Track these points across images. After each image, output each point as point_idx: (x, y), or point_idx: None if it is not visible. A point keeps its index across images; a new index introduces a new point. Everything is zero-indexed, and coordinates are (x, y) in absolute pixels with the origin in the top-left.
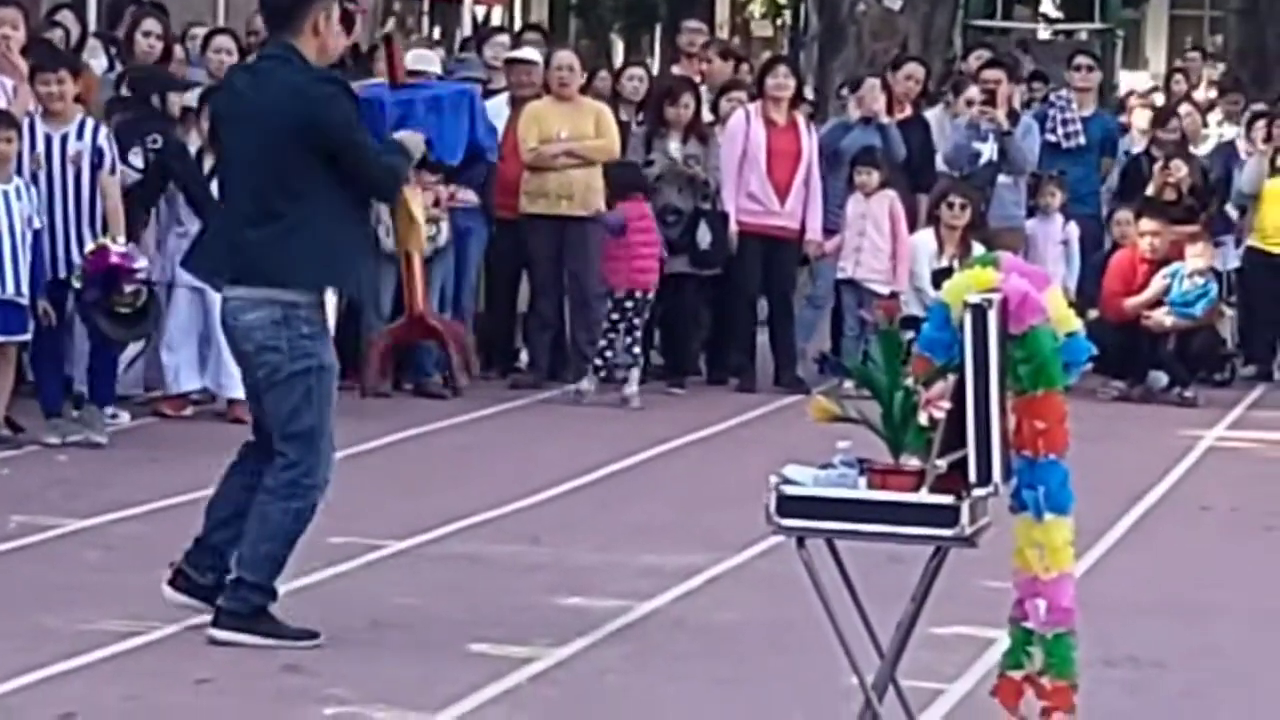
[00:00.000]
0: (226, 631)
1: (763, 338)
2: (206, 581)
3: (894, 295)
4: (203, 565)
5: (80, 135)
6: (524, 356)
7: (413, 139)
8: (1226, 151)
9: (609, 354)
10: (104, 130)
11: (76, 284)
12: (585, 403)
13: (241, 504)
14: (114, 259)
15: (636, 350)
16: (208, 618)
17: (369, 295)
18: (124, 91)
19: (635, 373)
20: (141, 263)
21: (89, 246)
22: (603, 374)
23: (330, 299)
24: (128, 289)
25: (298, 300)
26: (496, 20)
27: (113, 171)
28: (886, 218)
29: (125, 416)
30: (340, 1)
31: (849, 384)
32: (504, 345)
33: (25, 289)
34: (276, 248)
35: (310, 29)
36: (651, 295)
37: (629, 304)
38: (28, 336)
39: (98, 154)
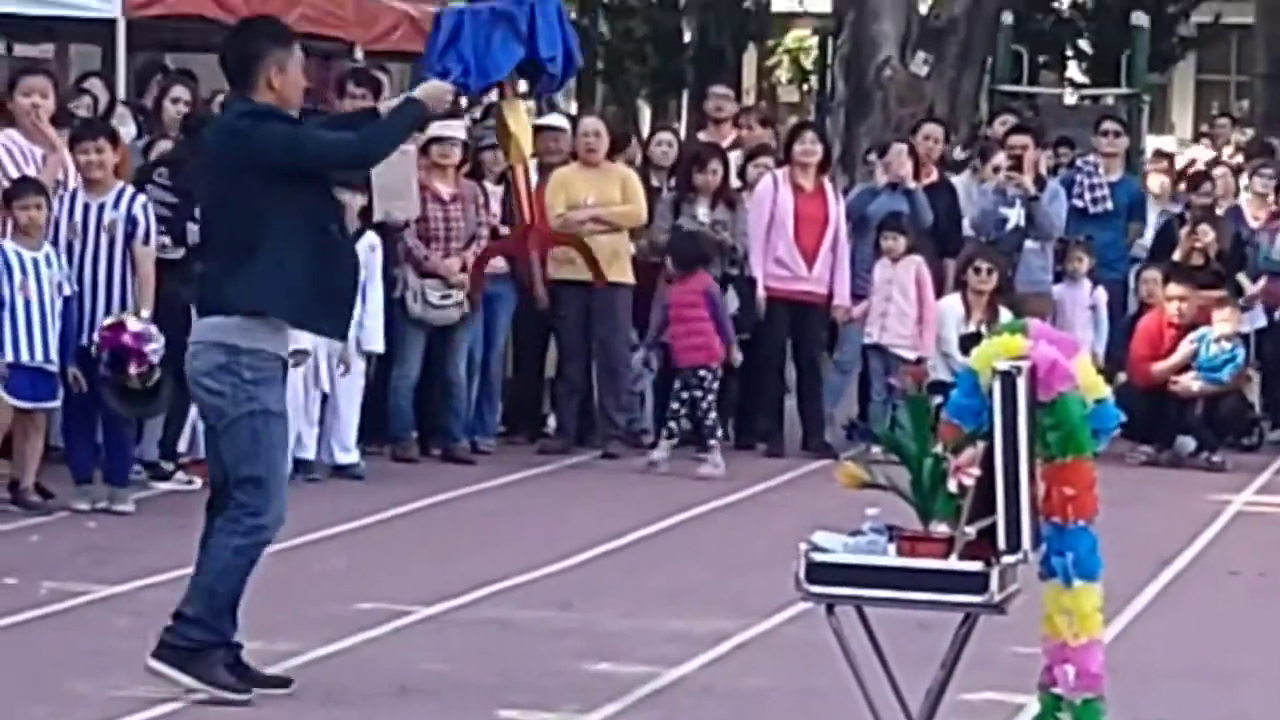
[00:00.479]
0: (163, 664)
1: (790, 402)
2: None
3: (920, 361)
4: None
5: (117, 205)
6: (552, 422)
7: (432, 89)
8: (1234, 216)
9: (683, 423)
10: (140, 200)
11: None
12: (659, 470)
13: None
14: (126, 338)
15: (710, 421)
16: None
17: (333, 331)
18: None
19: (715, 446)
20: (154, 344)
21: (107, 320)
22: (675, 441)
23: (359, 362)
24: (133, 370)
25: (239, 345)
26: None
27: (146, 241)
28: (913, 283)
29: (185, 475)
30: (357, 66)
31: (877, 449)
32: (532, 411)
33: (55, 356)
34: (226, 281)
35: (264, 84)
36: (718, 368)
37: (697, 378)
38: (57, 404)
39: (132, 223)
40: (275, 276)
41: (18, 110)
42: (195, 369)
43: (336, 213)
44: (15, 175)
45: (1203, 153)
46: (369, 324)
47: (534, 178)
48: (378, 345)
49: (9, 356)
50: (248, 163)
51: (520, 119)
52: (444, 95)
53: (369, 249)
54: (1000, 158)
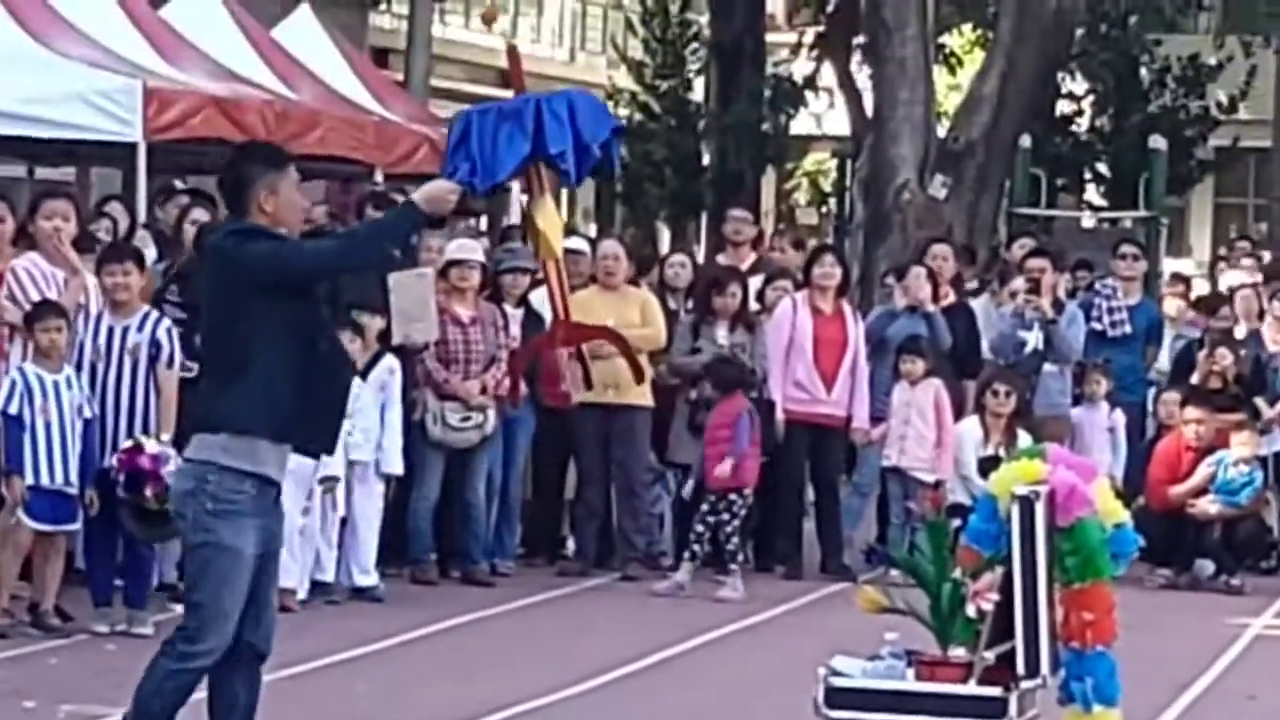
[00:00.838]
0: None
1: (809, 525)
2: None
3: (939, 484)
4: None
5: (141, 328)
6: (571, 544)
7: (433, 189)
8: (1255, 340)
9: (705, 545)
10: (165, 323)
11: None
12: (682, 593)
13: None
14: (143, 460)
15: (732, 545)
16: None
17: (318, 448)
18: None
19: (736, 570)
20: (170, 467)
21: (125, 443)
22: (698, 564)
23: (378, 484)
24: (149, 492)
25: (217, 463)
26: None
27: (170, 365)
28: (931, 406)
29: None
30: (377, 189)
31: (895, 573)
32: (551, 533)
33: (75, 479)
34: (218, 398)
35: (256, 208)
36: (749, 492)
37: (727, 501)
38: (77, 526)
39: (156, 346)
40: (261, 394)
41: (39, 234)
42: (173, 489)
43: (326, 329)
44: (36, 298)
45: (1242, 276)
46: (388, 446)
47: (562, 270)
48: (397, 468)
49: (29, 479)
50: (235, 281)
51: (549, 215)
52: (445, 195)
53: (388, 372)
54: (1018, 282)
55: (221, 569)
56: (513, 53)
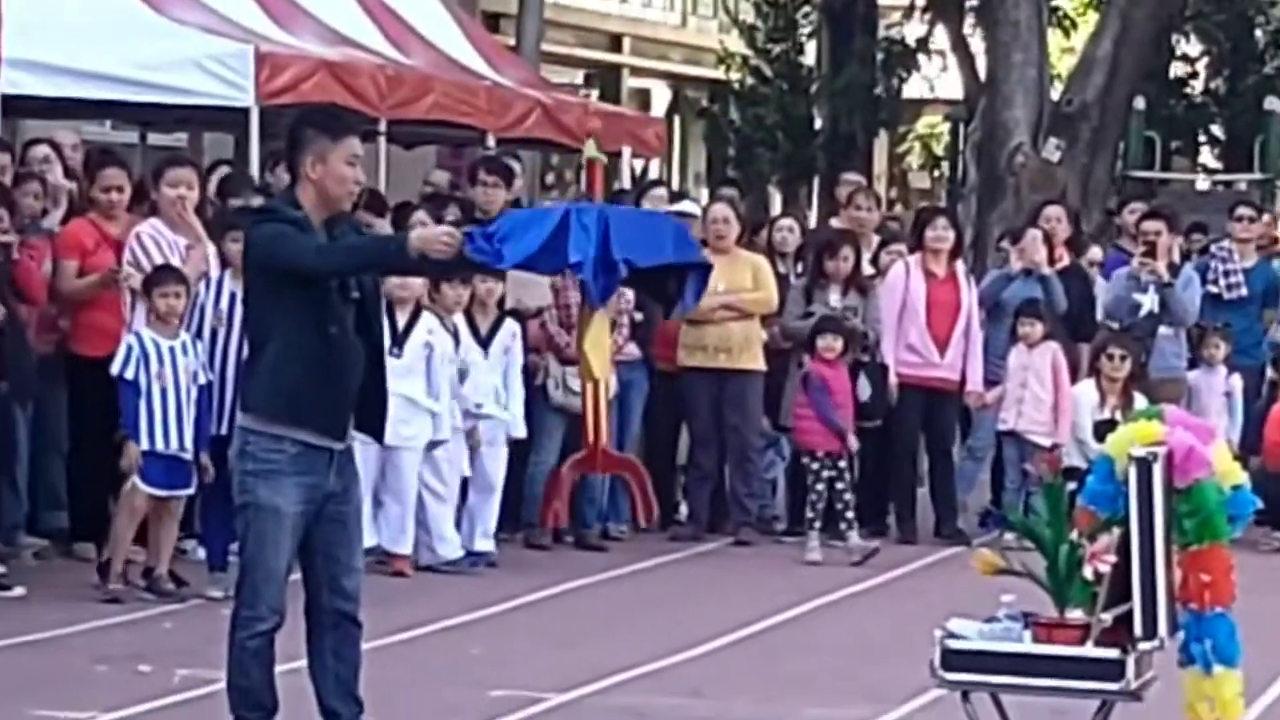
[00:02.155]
0: None
1: (922, 489)
2: None
3: (1055, 447)
4: None
5: None
6: (683, 509)
7: (432, 232)
8: None
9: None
10: None
11: None
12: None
13: (324, 659)
14: None
15: (847, 509)
16: None
17: (329, 433)
18: None
19: (852, 534)
20: None
21: None
22: (824, 535)
23: (502, 449)
24: None
25: (248, 429)
26: (655, 173)
27: None
28: (1049, 369)
29: None
30: (490, 155)
31: (1010, 537)
32: (663, 497)
33: (190, 444)
34: (247, 379)
35: (304, 175)
36: (842, 462)
37: (831, 462)
38: (190, 491)
39: None
40: (271, 378)
41: (163, 201)
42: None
43: (337, 314)
44: (151, 265)
45: None
46: (513, 410)
47: (608, 395)
48: (521, 431)
49: (144, 445)
50: (251, 261)
51: (598, 338)
52: (438, 239)
53: (511, 336)
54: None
55: (262, 528)
56: (592, 166)
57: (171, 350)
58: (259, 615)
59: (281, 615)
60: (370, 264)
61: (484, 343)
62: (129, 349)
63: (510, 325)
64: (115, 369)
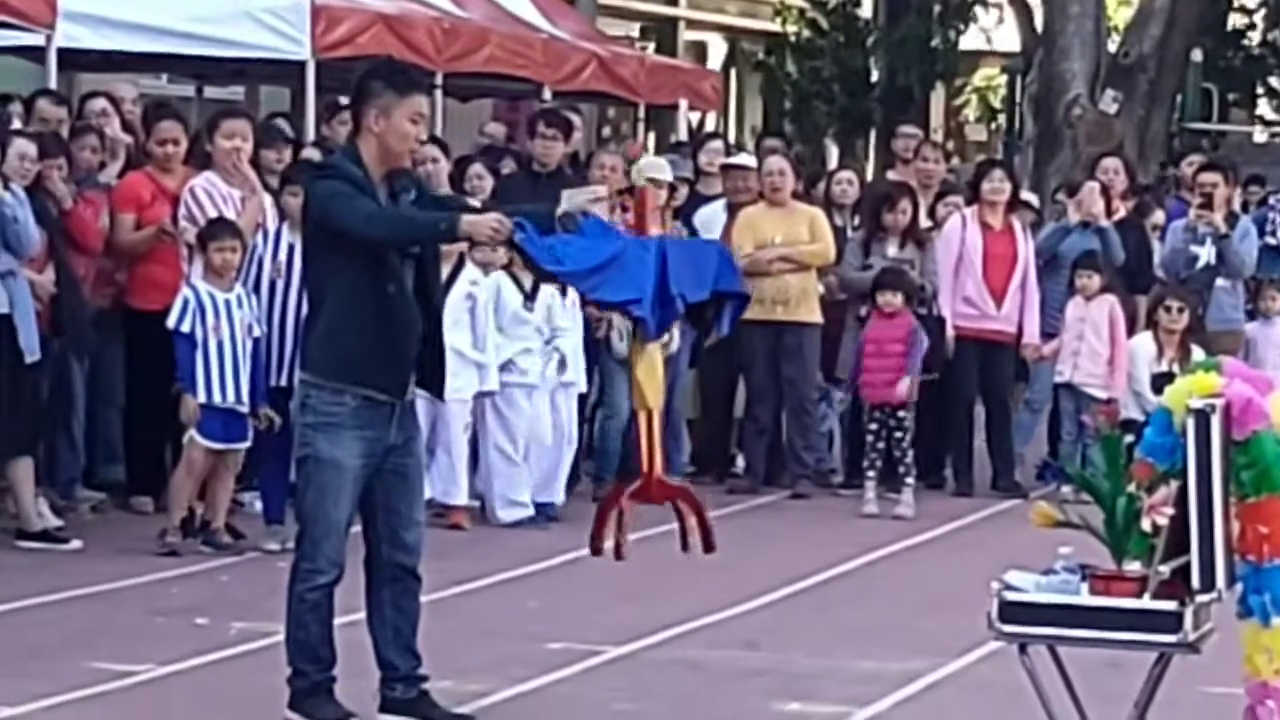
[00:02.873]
0: (288, 711)
1: (979, 441)
2: (396, 694)
3: (1111, 400)
4: (388, 680)
5: None
6: (740, 462)
7: (482, 219)
8: None
9: (878, 464)
10: None
11: None
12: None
13: (383, 611)
14: None
15: (907, 462)
16: None
17: (389, 392)
18: None
19: (909, 487)
20: None
21: None
22: (882, 487)
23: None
24: None
25: (309, 383)
26: (711, 126)
27: None
28: (1106, 322)
29: None
30: (548, 107)
31: (1066, 490)
32: (720, 451)
33: (246, 397)
34: (306, 335)
35: (367, 128)
36: (903, 412)
37: (897, 418)
38: (248, 444)
39: None
40: (329, 337)
41: (218, 153)
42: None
43: (398, 272)
44: (201, 217)
45: None
46: (572, 362)
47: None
48: (583, 383)
49: (201, 398)
50: (309, 219)
51: (651, 368)
52: (489, 225)
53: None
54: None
55: (323, 481)
56: (643, 193)
57: (227, 303)
58: (318, 568)
59: (341, 569)
60: (418, 239)
61: (529, 296)
62: (185, 302)
63: None
64: (171, 322)
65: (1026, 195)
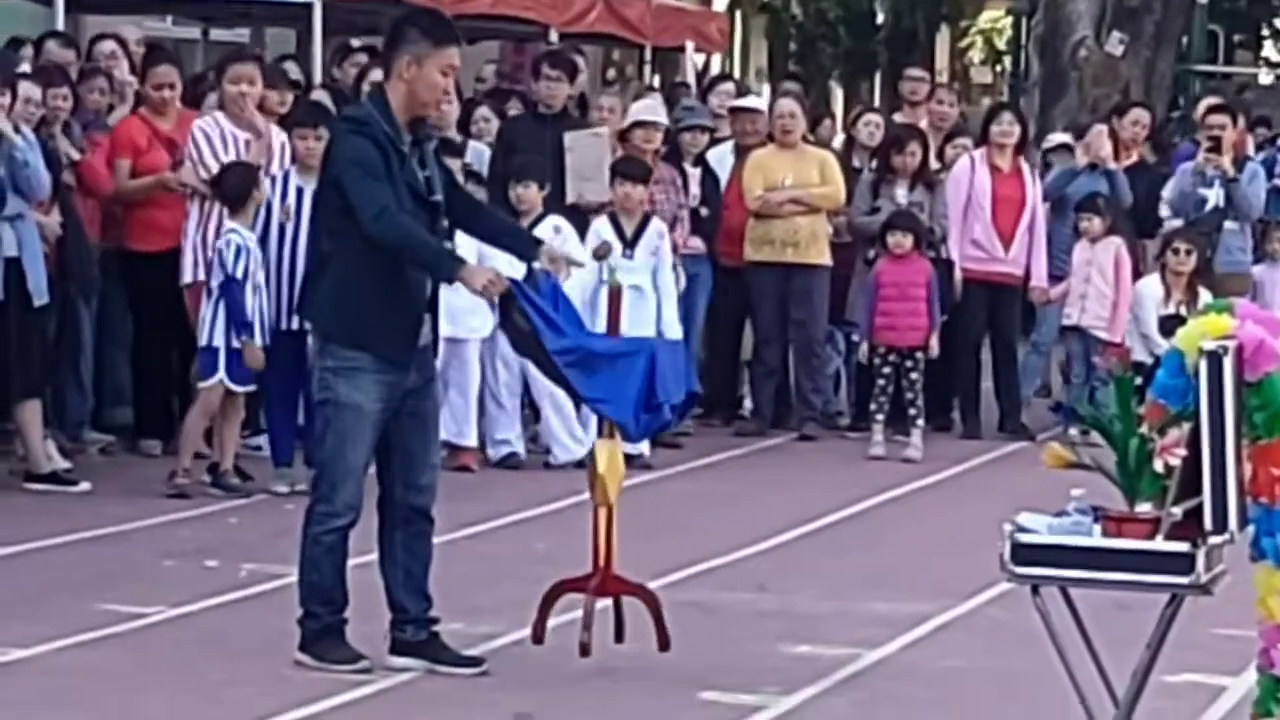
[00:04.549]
0: (299, 652)
1: (986, 384)
2: (406, 636)
3: (1121, 342)
4: (399, 622)
5: None
6: (748, 404)
7: (481, 270)
8: None
9: (886, 406)
10: None
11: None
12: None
13: (395, 554)
14: None
15: (917, 405)
16: (441, 669)
17: (394, 356)
18: None
19: (918, 430)
20: None
21: None
22: (890, 429)
23: None
24: None
25: (327, 330)
26: (716, 68)
27: None
28: (1112, 264)
29: None
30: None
31: (1074, 431)
32: (728, 393)
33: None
34: (312, 288)
35: (398, 74)
36: (920, 353)
37: (914, 359)
38: (253, 387)
39: None
40: (336, 301)
41: (226, 97)
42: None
43: None
44: (215, 160)
45: None
46: (666, 312)
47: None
48: (677, 332)
49: (234, 342)
50: (328, 172)
51: (612, 462)
52: (485, 277)
53: (658, 236)
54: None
55: (343, 425)
56: (614, 294)
57: (250, 247)
58: (335, 511)
59: (357, 512)
60: (413, 262)
61: (630, 244)
62: (238, 248)
63: (657, 225)
64: (228, 270)
65: (1062, 138)
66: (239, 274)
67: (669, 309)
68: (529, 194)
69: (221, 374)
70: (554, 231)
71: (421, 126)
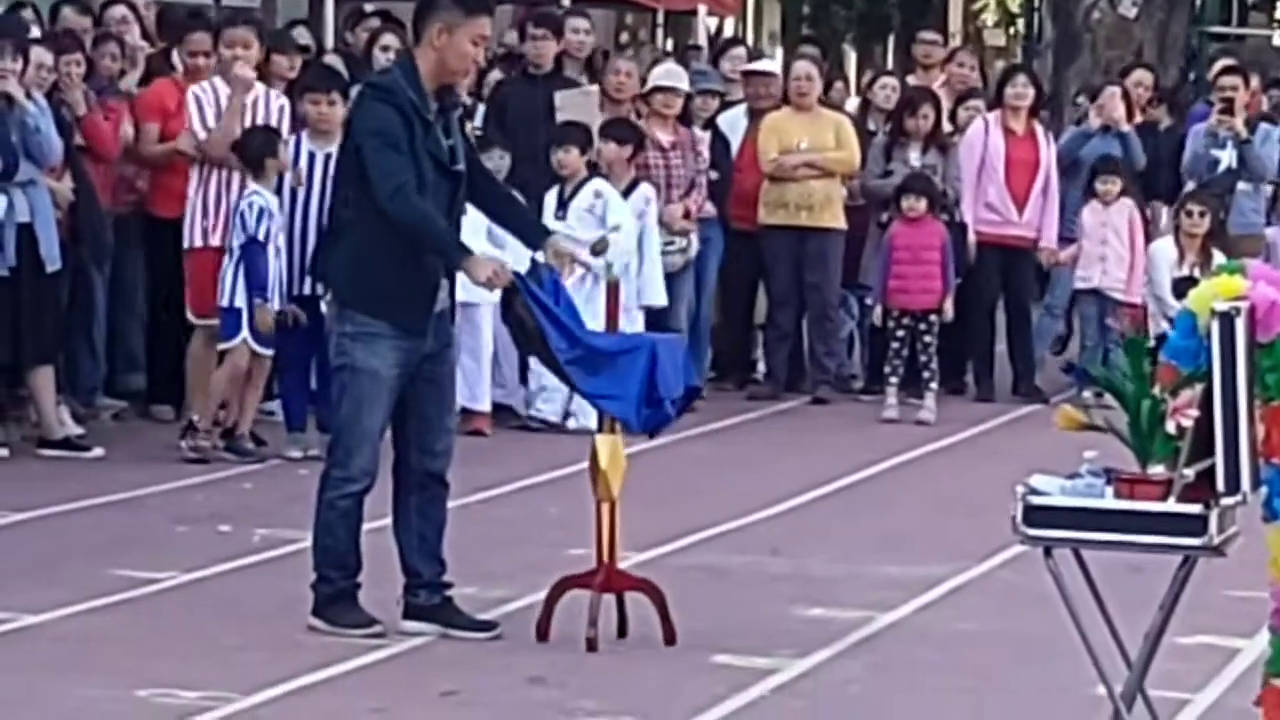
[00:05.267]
0: (312, 617)
1: (1000, 347)
2: (420, 600)
3: (1138, 305)
4: (412, 586)
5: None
6: (761, 368)
7: (486, 262)
8: None
9: (900, 370)
10: None
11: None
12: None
13: (409, 518)
14: None
15: (931, 367)
16: (454, 633)
17: (408, 328)
18: None
19: (932, 393)
20: None
21: None
22: (903, 392)
23: (638, 315)
24: None
25: (344, 297)
26: (729, 31)
27: None
28: (1126, 226)
29: None
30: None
31: (1087, 394)
32: (741, 357)
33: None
34: (330, 253)
35: (428, 41)
36: (934, 316)
37: (928, 322)
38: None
39: None
40: (354, 268)
41: (221, 62)
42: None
43: (435, 199)
44: (209, 123)
45: None
46: (648, 276)
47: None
48: (660, 298)
49: (258, 303)
50: (350, 138)
51: (614, 457)
52: (489, 270)
53: (644, 200)
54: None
55: (360, 390)
56: (613, 289)
57: (272, 210)
58: (350, 476)
59: (373, 477)
60: (422, 245)
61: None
62: (260, 210)
63: (645, 190)
64: (249, 231)
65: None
66: (261, 235)
67: (654, 273)
68: (570, 158)
69: (245, 334)
70: (594, 196)
71: (449, 95)
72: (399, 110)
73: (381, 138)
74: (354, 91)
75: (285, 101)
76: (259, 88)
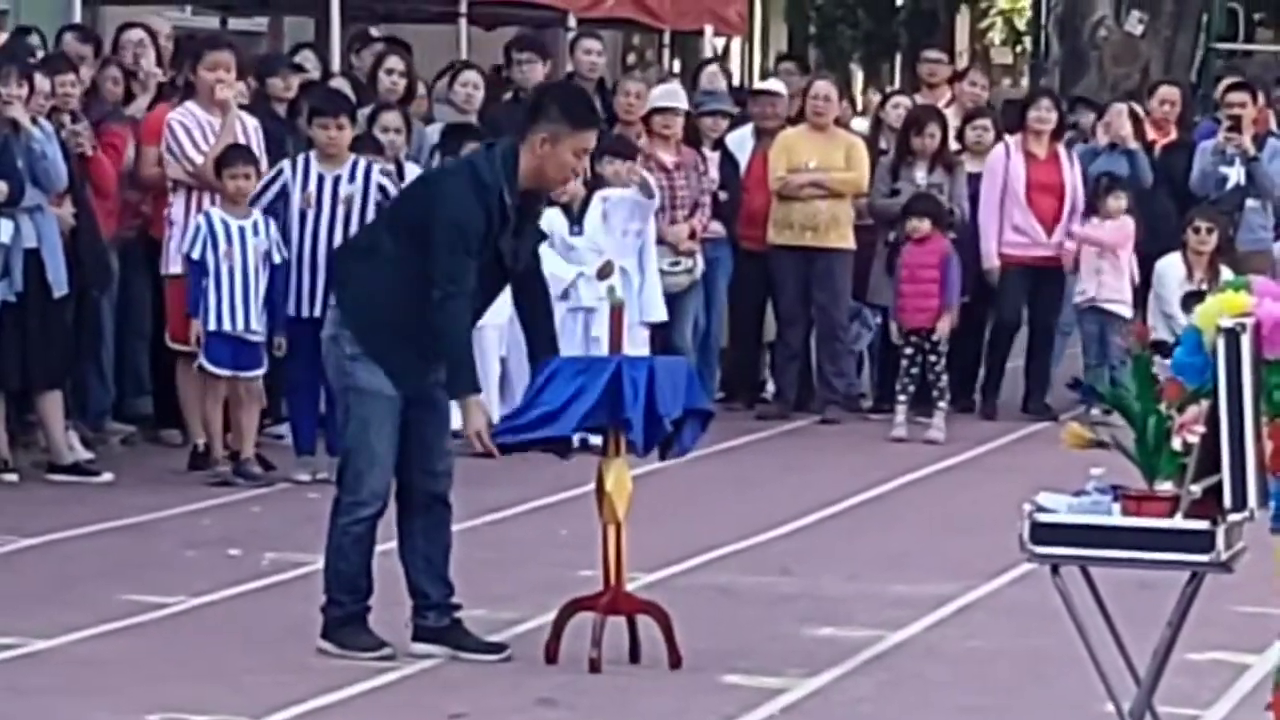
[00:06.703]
0: (321, 640)
1: (1013, 364)
2: (429, 622)
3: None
4: (420, 608)
5: (353, 178)
6: (770, 387)
7: (482, 418)
8: None
9: (910, 389)
10: (377, 168)
11: None
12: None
13: (414, 540)
14: None
15: (940, 386)
16: (463, 655)
17: (402, 382)
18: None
19: (942, 411)
20: None
21: None
22: (912, 411)
23: (642, 332)
24: None
25: (352, 322)
26: (736, 51)
27: None
28: (1121, 241)
29: None
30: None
31: (1095, 412)
32: (750, 376)
33: (258, 325)
34: (350, 283)
35: (532, 146)
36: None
37: (932, 341)
38: (260, 373)
39: (381, 191)
40: (368, 305)
41: (200, 84)
42: (322, 336)
43: (479, 290)
44: (193, 148)
45: None
46: (649, 291)
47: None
48: (660, 314)
49: (212, 325)
50: (422, 199)
51: (620, 480)
52: (480, 423)
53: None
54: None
55: (366, 412)
56: (616, 312)
57: (241, 230)
58: (362, 501)
59: (385, 501)
60: (445, 354)
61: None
62: (198, 229)
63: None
64: (184, 249)
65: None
66: (196, 255)
67: (653, 290)
68: (613, 168)
69: (201, 357)
70: (602, 201)
71: (536, 200)
72: (486, 210)
73: (459, 235)
74: (362, 113)
75: (257, 122)
76: (243, 114)
